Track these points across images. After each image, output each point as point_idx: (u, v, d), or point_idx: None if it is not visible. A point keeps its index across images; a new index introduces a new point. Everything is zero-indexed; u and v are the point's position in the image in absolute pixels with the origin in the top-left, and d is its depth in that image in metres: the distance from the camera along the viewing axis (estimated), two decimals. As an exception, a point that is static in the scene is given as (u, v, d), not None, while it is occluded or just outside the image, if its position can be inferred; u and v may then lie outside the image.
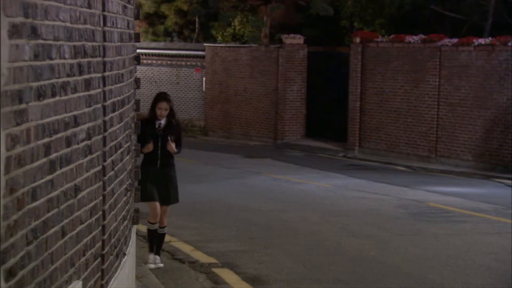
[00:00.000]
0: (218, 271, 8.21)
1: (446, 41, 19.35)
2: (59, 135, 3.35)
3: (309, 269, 8.27)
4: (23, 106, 2.89)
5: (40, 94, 3.09)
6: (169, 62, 26.74)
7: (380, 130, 21.02)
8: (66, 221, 3.46)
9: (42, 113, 3.12)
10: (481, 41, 18.63)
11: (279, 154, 20.97)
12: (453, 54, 19.10)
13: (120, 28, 4.61)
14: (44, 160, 3.16)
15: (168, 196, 8.23)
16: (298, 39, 23.38)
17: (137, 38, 5.44)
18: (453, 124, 19.21)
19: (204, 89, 25.60)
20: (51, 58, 3.22)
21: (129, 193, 5.34)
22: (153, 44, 27.45)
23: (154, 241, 8.32)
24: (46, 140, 3.18)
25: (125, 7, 4.76)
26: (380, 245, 9.49)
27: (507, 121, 17.95)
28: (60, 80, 3.35)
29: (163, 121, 8.15)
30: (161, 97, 8.19)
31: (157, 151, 8.10)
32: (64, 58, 3.40)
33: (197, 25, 30.32)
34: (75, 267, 3.61)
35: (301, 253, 9.01)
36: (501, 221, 11.35)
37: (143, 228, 9.23)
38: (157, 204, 8.18)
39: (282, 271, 8.16)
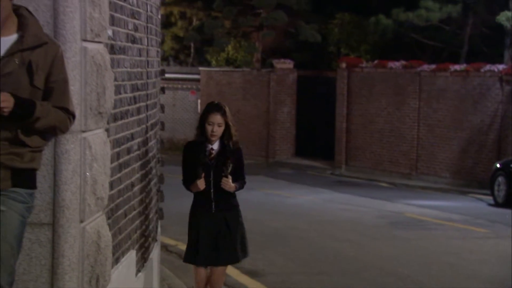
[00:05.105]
0: (220, 267, 9.63)
1: (425, 67, 20.84)
2: (123, 146, 4.83)
3: (298, 265, 9.73)
4: (107, 126, 4.37)
5: (115, 118, 4.57)
6: (165, 85, 28.02)
7: (365, 149, 22.45)
8: (126, 206, 4.93)
9: (116, 131, 4.60)
10: (457, 67, 20.15)
11: (271, 171, 22.41)
12: (431, 79, 20.56)
13: (155, 68, 6.12)
14: (116, 163, 4.64)
15: (220, 252, 5.65)
16: (288, 64, 24.76)
17: (162, 73, 6.94)
18: (432, 143, 20.68)
19: (199, 111, 26.90)
20: (120, 94, 4.71)
21: (158, 193, 6.82)
22: (151, 68, 28.73)
23: None
24: (117, 149, 4.66)
25: (158, 51, 6.27)
26: (359, 247, 10.96)
27: (481, 141, 19.43)
28: (124, 108, 4.84)
29: (215, 145, 5.62)
30: (213, 107, 5.60)
31: (210, 189, 5.63)
32: (126, 93, 4.89)
33: (192, 50, 31.76)
34: (131, 240, 5.08)
35: (290, 254, 10.46)
36: (468, 229, 12.84)
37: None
38: (201, 269, 5.80)
39: (275, 267, 9.61)
